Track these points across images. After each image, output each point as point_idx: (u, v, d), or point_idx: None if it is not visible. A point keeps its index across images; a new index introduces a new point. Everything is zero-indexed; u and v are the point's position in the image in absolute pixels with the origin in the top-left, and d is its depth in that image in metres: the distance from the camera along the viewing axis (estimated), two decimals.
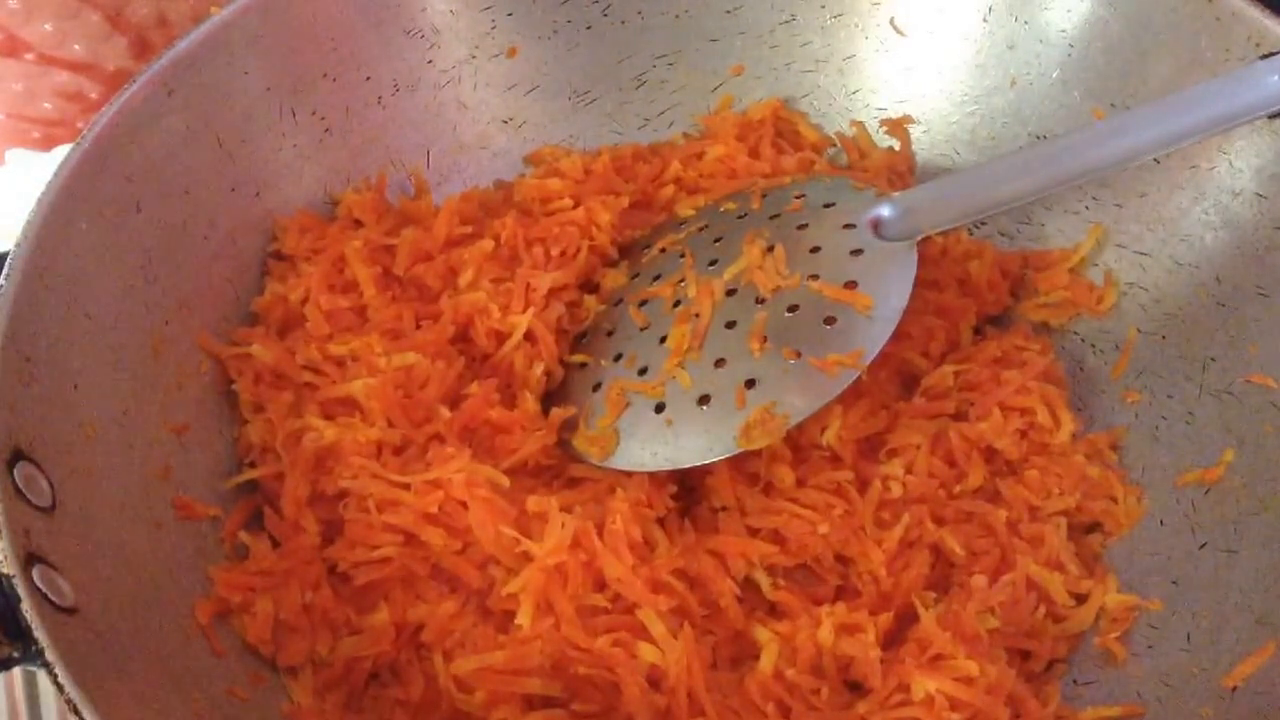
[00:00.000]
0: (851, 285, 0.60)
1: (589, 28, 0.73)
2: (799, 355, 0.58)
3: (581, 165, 0.70)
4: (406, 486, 0.56)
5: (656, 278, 0.65)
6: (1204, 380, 0.61)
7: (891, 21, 0.72)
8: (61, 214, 0.53)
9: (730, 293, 0.62)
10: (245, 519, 0.58)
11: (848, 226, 0.62)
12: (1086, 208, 0.68)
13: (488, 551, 0.55)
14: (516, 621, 0.53)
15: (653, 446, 0.59)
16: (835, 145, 0.74)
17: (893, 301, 0.59)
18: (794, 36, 0.74)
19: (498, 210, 0.68)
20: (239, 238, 0.63)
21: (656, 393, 0.60)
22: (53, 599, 0.44)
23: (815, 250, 0.62)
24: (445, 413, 0.59)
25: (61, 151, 0.55)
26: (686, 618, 0.55)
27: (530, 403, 0.61)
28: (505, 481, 0.56)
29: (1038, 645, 0.57)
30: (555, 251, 0.66)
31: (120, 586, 0.49)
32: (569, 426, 0.61)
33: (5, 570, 0.43)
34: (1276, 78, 0.56)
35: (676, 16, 0.74)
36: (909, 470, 0.60)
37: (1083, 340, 0.67)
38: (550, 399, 0.63)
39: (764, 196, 0.66)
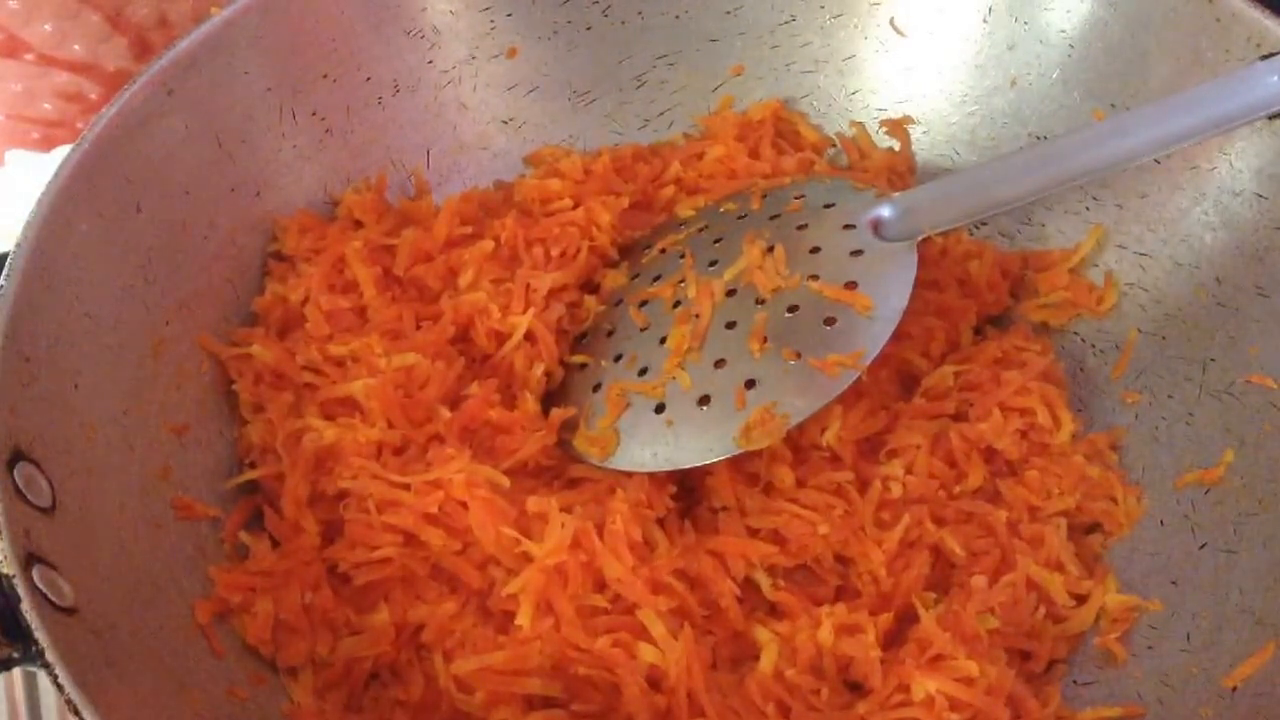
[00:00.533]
0: (851, 286, 0.60)
1: (589, 28, 0.73)
2: (799, 356, 0.58)
3: (581, 166, 0.70)
4: (406, 487, 0.56)
5: (656, 278, 0.65)
6: (1204, 381, 0.61)
7: (891, 22, 0.72)
8: (61, 215, 0.53)
9: (730, 293, 0.62)
10: (245, 519, 0.58)
11: (848, 227, 0.62)
12: (1087, 208, 0.68)
13: (488, 552, 0.55)
14: (516, 622, 0.53)
15: (653, 447, 0.59)
16: (835, 146, 0.74)
17: (893, 302, 0.59)
18: (794, 37, 0.74)
19: (498, 211, 0.68)
20: (239, 238, 0.63)
21: (656, 393, 0.60)
22: (53, 599, 0.44)
23: (815, 251, 0.62)
24: (445, 413, 0.59)
25: (61, 152, 0.55)
26: (687, 618, 0.55)
27: (530, 403, 0.61)
28: (505, 482, 0.56)
29: (1038, 646, 0.57)
30: (555, 252, 0.65)
31: (120, 587, 0.49)
32: (569, 427, 0.61)
33: (5, 570, 0.43)
34: (1276, 78, 0.56)
35: (676, 17, 0.74)
36: (909, 471, 0.60)
37: (1083, 341, 0.67)
38: (550, 399, 0.63)
39: (764, 197, 0.66)
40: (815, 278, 0.60)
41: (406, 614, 0.55)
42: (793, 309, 0.60)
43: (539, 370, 0.62)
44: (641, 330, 0.63)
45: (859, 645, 0.53)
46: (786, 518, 0.58)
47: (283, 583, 0.55)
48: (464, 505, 0.55)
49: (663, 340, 0.62)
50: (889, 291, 0.59)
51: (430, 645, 0.54)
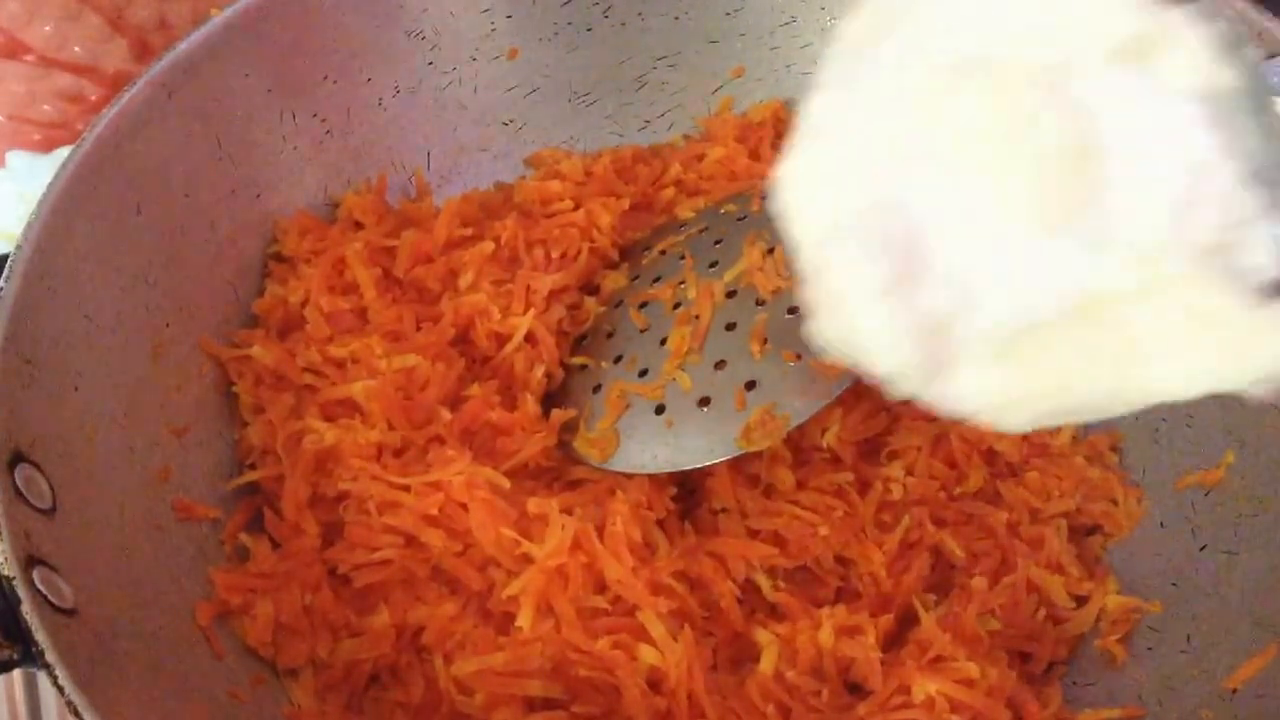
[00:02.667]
0: None
1: (589, 30, 0.73)
2: (799, 357, 0.58)
3: (582, 167, 0.70)
4: (407, 488, 0.56)
5: (656, 279, 0.65)
6: None
7: None
8: (61, 217, 0.53)
9: (730, 294, 0.62)
10: (245, 521, 0.58)
11: None
12: None
13: (488, 553, 0.55)
14: (517, 623, 0.53)
15: (653, 448, 0.59)
16: None
17: None
18: (794, 38, 0.74)
19: (498, 212, 0.68)
20: (239, 240, 0.63)
21: (656, 394, 0.60)
22: (53, 601, 0.44)
23: None
24: (445, 414, 0.59)
25: (62, 153, 0.55)
26: (687, 619, 0.55)
27: (531, 404, 0.61)
28: (505, 483, 0.56)
29: (1038, 647, 0.57)
30: (555, 253, 0.66)
31: (121, 588, 0.49)
32: (569, 428, 0.61)
33: (6, 572, 0.43)
34: (1275, 79, 0.56)
35: (677, 18, 0.74)
36: (909, 472, 0.60)
37: None
38: (551, 401, 0.63)
39: (764, 198, 0.66)
40: None
41: (407, 615, 0.55)
42: (793, 310, 0.60)
43: (539, 372, 0.62)
44: (641, 332, 0.63)
45: (859, 647, 0.53)
46: (787, 519, 0.58)
47: (283, 584, 0.55)
48: (464, 507, 0.55)
49: (663, 341, 0.62)
50: None
51: (430, 647, 0.54)
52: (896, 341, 0.36)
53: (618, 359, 0.63)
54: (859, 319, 0.38)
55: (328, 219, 0.67)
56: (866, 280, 0.37)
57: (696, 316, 0.61)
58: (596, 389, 0.62)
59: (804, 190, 0.40)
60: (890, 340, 0.37)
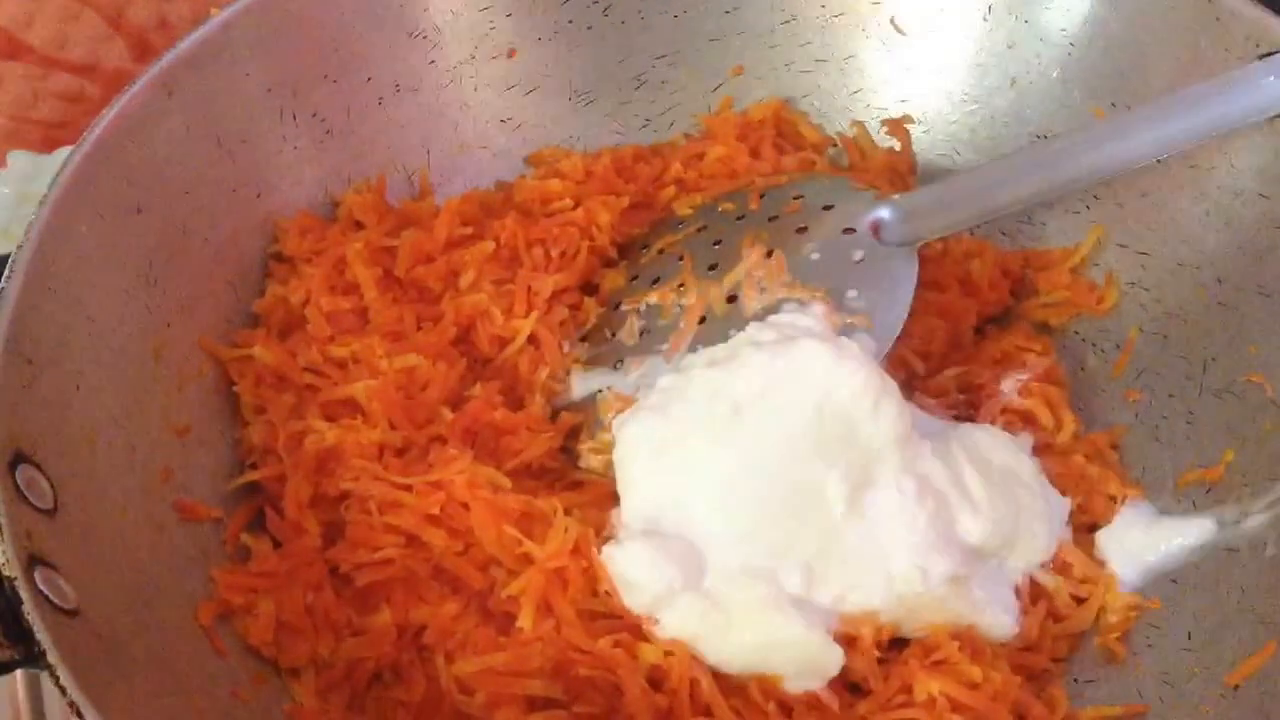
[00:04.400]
0: (853, 292, 0.60)
1: (589, 28, 0.73)
2: None
3: (582, 166, 0.70)
4: (408, 488, 0.56)
5: (656, 281, 0.65)
6: (1204, 380, 0.61)
7: (892, 21, 0.72)
8: (62, 217, 0.53)
9: (731, 299, 0.62)
10: (247, 521, 0.58)
11: (847, 231, 0.62)
12: (1088, 207, 0.68)
13: (489, 552, 0.55)
14: (518, 623, 0.53)
15: None
16: (836, 145, 0.74)
17: (894, 313, 0.59)
18: (794, 36, 0.74)
19: (498, 211, 0.68)
20: (240, 239, 0.63)
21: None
22: (55, 601, 0.44)
23: (815, 257, 0.62)
24: (447, 414, 0.59)
25: (63, 153, 0.55)
26: None
27: (539, 405, 0.61)
28: (507, 483, 0.56)
29: (1037, 655, 0.57)
30: (555, 253, 0.65)
31: (122, 588, 0.49)
32: (573, 433, 0.61)
33: (7, 573, 0.43)
34: (1273, 78, 0.56)
35: (676, 17, 0.73)
36: None
37: (1084, 340, 0.67)
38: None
39: (762, 196, 0.66)
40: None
41: (408, 615, 0.55)
42: None
43: (544, 374, 0.62)
44: (642, 335, 0.63)
45: (858, 656, 0.53)
46: None
47: (285, 584, 0.55)
48: (465, 506, 0.55)
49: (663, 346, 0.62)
50: (890, 301, 0.60)
51: (432, 646, 0.54)
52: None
53: (618, 363, 0.63)
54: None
55: (328, 219, 0.67)
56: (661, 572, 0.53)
57: (701, 321, 0.61)
58: (599, 393, 0.62)
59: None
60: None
